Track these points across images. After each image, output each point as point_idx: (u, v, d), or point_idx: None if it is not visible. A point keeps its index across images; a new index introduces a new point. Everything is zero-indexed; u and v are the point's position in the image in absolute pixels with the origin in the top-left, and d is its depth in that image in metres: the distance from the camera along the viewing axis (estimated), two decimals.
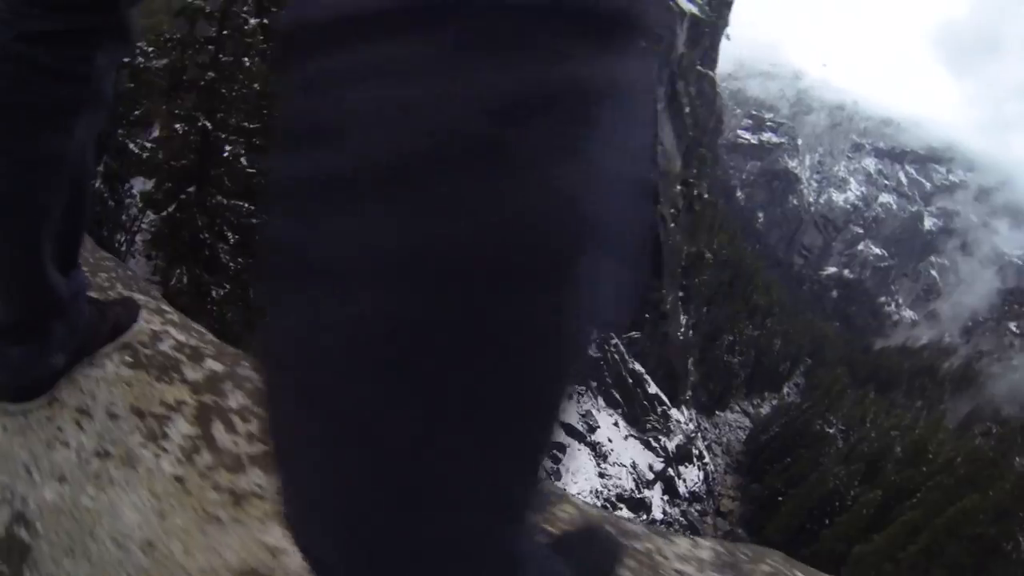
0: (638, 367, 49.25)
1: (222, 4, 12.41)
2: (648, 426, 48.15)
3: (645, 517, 36.25)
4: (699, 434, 53.81)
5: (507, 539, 0.39)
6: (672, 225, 52.28)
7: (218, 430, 1.19)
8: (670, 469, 46.92)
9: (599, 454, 43.78)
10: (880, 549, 35.04)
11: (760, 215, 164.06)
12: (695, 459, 50.08)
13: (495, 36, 0.27)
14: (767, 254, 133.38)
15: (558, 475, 39.50)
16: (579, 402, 45.65)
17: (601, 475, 42.74)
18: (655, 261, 49.77)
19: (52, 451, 1.03)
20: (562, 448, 42.38)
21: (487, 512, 0.36)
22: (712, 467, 52.00)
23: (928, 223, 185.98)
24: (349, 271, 0.29)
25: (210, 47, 12.68)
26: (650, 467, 46.06)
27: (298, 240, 0.30)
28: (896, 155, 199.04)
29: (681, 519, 43.45)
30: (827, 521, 41.79)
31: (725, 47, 68.56)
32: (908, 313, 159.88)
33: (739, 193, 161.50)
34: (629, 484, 43.52)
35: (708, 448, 54.08)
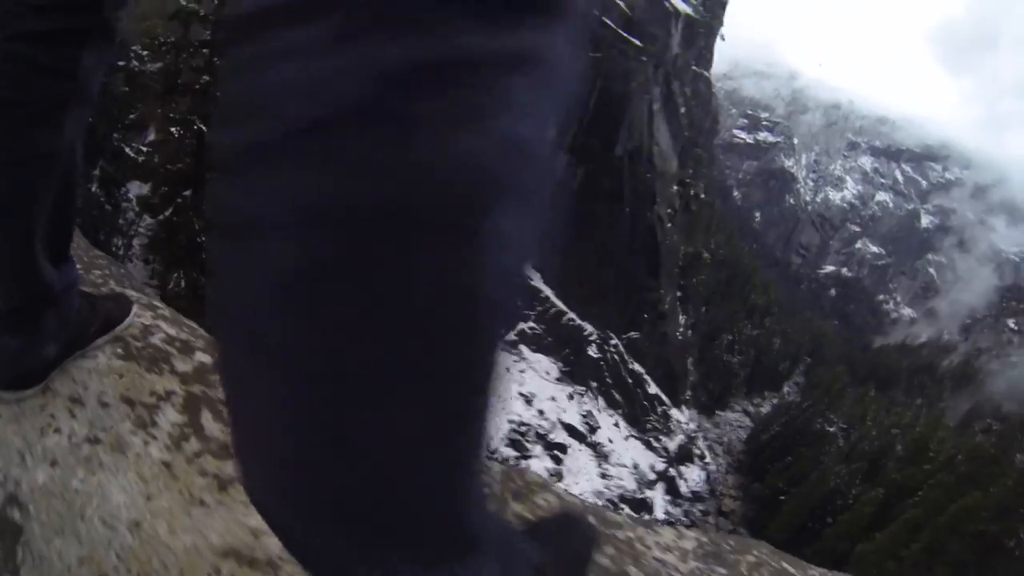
0: (638, 367, 49.27)
1: (216, 7, 12.39)
2: (649, 426, 48.16)
3: (648, 517, 36.14)
4: (700, 434, 53.81)
5: (450, 495, 0.42)
6: (669, 225, 52.34)
7: (206, 418, 1.22)
8: (671, 469, 46.91)
9: (600, 455, 43.78)
10: (882, 547, 35.00)
11: (757, 214, 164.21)
12: (696, 459, 50.06)
13: (392, 15, 0.31)
14: (764, 253, 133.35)
15: (560, 476, 39.48)
16: (580, 403, 45.68)
17: (603, 476, 42.74)
18: (652, 261, 49.84)
19: (45, 437, 1.08)
20: (563, 449, 42.42)
21: (415, 461, 0.38)
22: (714, 467, 51.97)
23: (925, 221, 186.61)
24: (275, 225, 0.33)
25: (204, 50, 12.67)
26: (651, 467, 46.05)
27: (234, 202, 0.35)
28: (892, 153, 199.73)
29: (684, 519, 43.37)
30: (829, 520, 41.73)
31: (720, 47, 68.76)
32: (907, 311, 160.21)
33: (736, 193, 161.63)
34: (631, 484, 43.52)
35: (709, 448, 54.05)
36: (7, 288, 1.08)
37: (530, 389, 43.77)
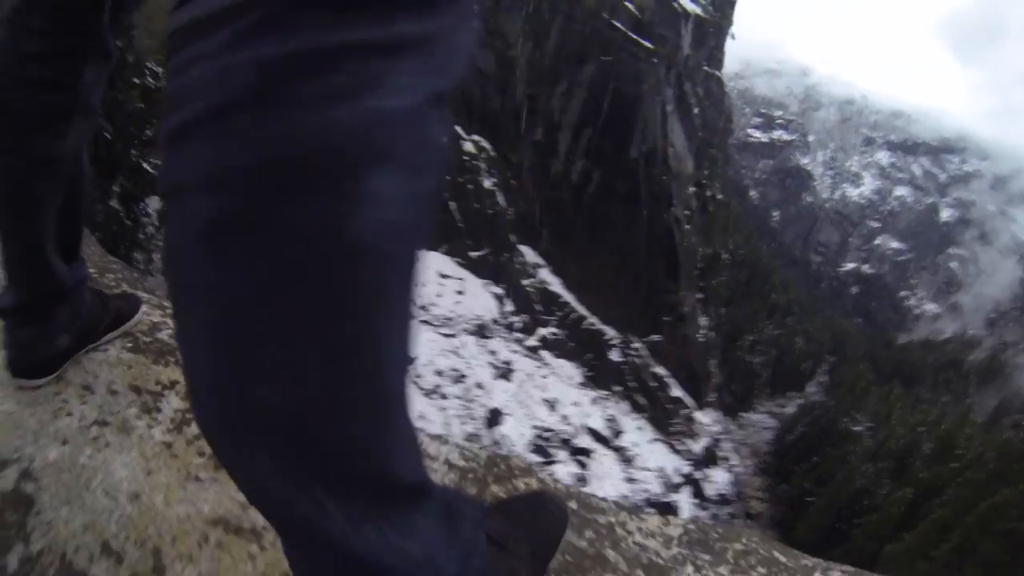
0: (660, 370, 49.08)
1: None
2: (673, 429, 47.91)
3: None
4: (725, 436, 53.40)
5: (362, 432, 0.49)
6: (687, 227, 52.16)
7: None
8: (697, 472, 46.62)
9: (625, 459, 43.62)
10: (912, 548, 34.44)
11: (775, 214, 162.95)
12: (721, 461, 49.70)
13: (269, 21, 0.39)
14: (783, 253, 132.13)
15: (585, 481, 39.39)
16: (603, 407, 45.58)
17: (628, 480, 42.56)
18: (671, 263, 49.71)
19: (57, 420, 1.19)
20: (588, 453, 42.33)
21: (317, 385, 0.46)
22: (740, 469, 51.53)
23: (945, 214, 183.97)
24: (195, 186, 0.42)
25: None
26: (677, 471, 45.79)
27: (168, 172, 0.44)
28: (908, 147, 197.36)
29: (710, 523, 43.05)
30: (857, 520, 41.19)
31: (730, 46, 68.27)
32: (930, 306, 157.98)
33: (752, 192, 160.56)
34: (656, 488, 43.28)
35: (734, 450, 53.55)
36: (21, 283, 1.19)
37: (553, 395, 43.74)
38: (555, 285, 48.49)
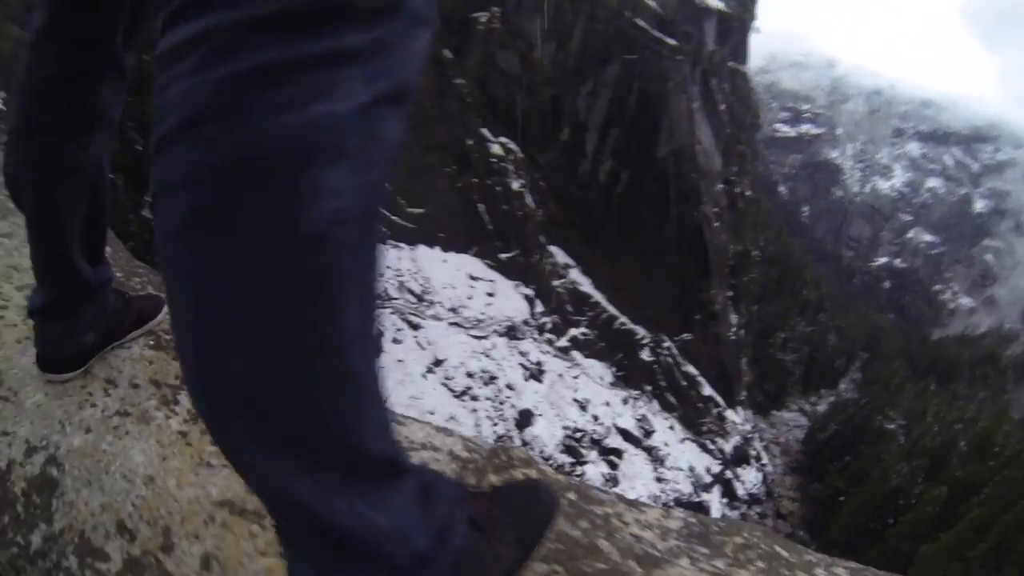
0: (691, 369, 48.90)
1: None
2: (704, 428, 47.74)
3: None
4: (756, 435, 53.05)
5: (329, 405, 0.55)
6: (716, 224, 51.88)
7: None
8: (728, 471, 46.43)
9: (656, 458, 43.57)
10: (948, 548, 33.91)
11: (805, 209, 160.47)
12: (753, 460, 49.44)
13: (226, 46, 0.47)
14: (815, 248, 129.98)
15: (615, 481, 39.52)
16: (634, 407, 45.61)
17: (658, 480, 42.54)
18: (701, 261, 49.55)
19: (82, 410, 1.29)
20: (619, 453, 42.39)
21: (282, 357, 0.52)
22: (771, 468, 51.22)
23: (979, 205, 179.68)
24: (175, 185, 0.49)
25: None
26: (708, 470, 45.65)
27: (155, 174, 0.50)
28: (939, 137, 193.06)
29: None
30: (891, 520, 40.68)
31: (755, 41, 67.14)
32: (965, 300, 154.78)
33: (781, 188, 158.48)
34: (687, 488, 43.18)
35: (766, 448, 53.19)
36: (49, 284, 1.26)
37: (584, 395, 43.82)
38: (585, 285, 48.53)
